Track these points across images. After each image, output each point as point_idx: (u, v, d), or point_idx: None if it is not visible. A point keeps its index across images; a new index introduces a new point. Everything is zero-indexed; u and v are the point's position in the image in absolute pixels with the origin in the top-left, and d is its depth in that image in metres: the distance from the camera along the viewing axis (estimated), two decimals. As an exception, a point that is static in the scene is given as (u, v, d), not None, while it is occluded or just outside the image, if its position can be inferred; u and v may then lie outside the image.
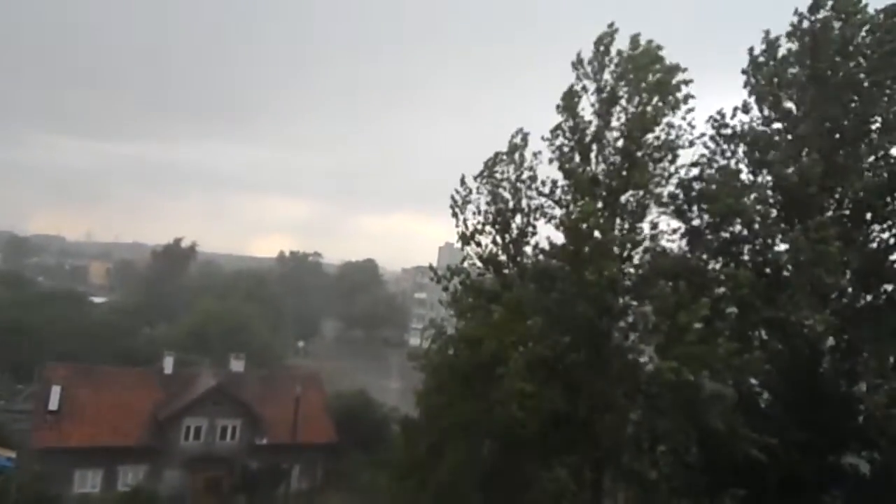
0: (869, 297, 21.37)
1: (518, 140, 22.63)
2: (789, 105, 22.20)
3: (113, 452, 38.55)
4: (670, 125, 20.95)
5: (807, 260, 19.58)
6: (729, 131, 22.93)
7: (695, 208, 22.39)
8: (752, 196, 21.09)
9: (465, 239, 22.65)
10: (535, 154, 22.31)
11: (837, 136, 21.03)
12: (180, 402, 41.23)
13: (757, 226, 21.32)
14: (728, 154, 22.76)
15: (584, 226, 19.87)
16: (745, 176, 22.24)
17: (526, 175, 22.45)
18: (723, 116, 22.87)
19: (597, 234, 20.09)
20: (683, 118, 20.78)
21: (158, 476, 39.28)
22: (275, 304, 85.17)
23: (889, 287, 20.96)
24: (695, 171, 22.30)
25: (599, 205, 20.73)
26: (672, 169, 21.31)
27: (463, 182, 22.93)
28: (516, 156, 22.56)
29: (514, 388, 19.02)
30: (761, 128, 22.54)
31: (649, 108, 20.74)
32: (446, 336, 24.78)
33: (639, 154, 20.82)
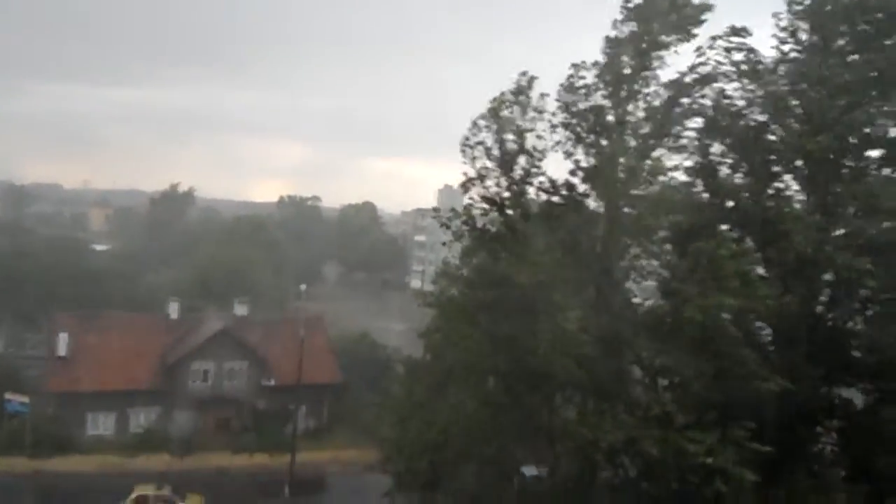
0: (873, 231, 21.56)
1: (524, 82, 22.45)
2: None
3: (124, 396, 39.41)
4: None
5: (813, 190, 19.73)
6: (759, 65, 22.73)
7: (711, 145, 22.47)
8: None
9: (471, 181, 22.69)
10: (542, 95, 22.21)
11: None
12: (187, 346, 41.91)
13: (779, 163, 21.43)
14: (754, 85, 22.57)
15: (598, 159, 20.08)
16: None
17: (531, 115, 22.35)
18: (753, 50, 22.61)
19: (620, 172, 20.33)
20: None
21: (169, 417, 40.25)
22: (276, 249, 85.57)
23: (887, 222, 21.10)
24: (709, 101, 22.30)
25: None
26: (685, 105, 21.42)
27: (475, 124, 22.89)
28: (521, 97, 22.42)
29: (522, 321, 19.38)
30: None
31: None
32: (453, 276, 25.08)
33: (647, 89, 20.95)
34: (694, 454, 18.08)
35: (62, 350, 39.32)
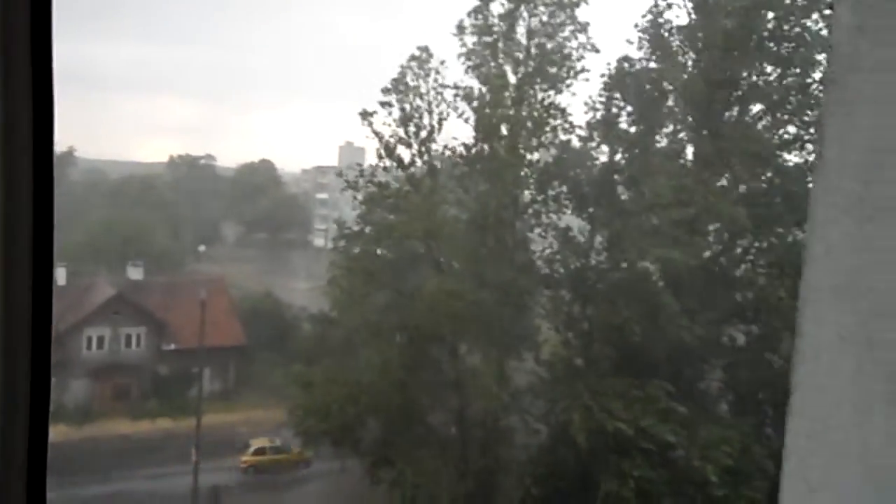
0: (759, 185, 23.16)
1: (423, 55, 23.14)
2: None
3: (10, 367, 37.33)
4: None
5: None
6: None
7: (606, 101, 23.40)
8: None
9: (380, 141, 22.99)
10: (441, 62, 22.89)
11: None
12: (79, 313, 40.03)
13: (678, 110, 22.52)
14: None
15: (495, 120, 20.54)
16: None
17: (432, 82, 23.02)
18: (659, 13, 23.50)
19: (503, 129, 20.78)
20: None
21: (64, 387, 38.52)
22: (169, 210, 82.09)
23: (772, 175, 22.67)
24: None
25: (509, 99, 21.42)
26: (577, 68, 22.29)
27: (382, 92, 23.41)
28: (420, 68, 23.13)
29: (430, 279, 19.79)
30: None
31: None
32: (353, 234, 25.17)
33: (549, 54, 21.66)
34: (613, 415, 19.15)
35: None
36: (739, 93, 22.83)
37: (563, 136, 22.80)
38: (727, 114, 23.46)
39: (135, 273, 44.06)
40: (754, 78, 22.91)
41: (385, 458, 23.92)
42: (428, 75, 23.60)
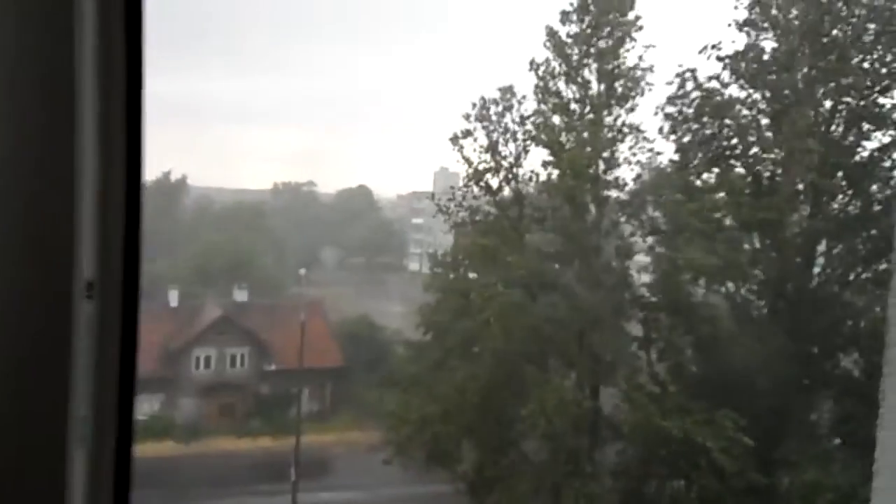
0: (860, 203, 21.89)
1: (506, 93, 23.87)
2: (779, 16, 22.38)
3: (127, 384, 39.66)
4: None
5: (794, 160, 20.05)
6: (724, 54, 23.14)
7: (682, 128, 22.88)
8: (744, 110, 21.57)
9: (471, 172, 23.60)
10: (522, 97, 23.56)
11: (825, 41, 21.23)
12: (188, 333, 42.23)
13: (750, 137, 21.67)
14: (723, 78, 23.05)
15: (568, 143, 20.84)
16: (740, 92, 22.66)
17: (515, 116, 23.66)
18: (717, 45, 23.01)
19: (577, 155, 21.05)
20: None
21: (174, 404, 40.65)
22: (273, 235, 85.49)
23: (878, 192, 21.42)
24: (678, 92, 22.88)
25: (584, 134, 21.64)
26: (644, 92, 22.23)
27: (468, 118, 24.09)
28: (502, 104, 23.84)
29: (505, 301, 19.91)
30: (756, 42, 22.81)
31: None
32: (447, 261, 25.62)
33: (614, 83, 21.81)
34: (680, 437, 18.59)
35: (64, 341, 39.55)
36: (843, 110, 21.76)
37: (641, 157, 22.66)
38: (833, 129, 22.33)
39: (240, 295, 46.09)
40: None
41: (482, 481, 23.87)
42: (510, 107, 24.30)
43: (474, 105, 23.93)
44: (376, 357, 42.92)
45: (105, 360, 1.62)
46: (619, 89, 22.34)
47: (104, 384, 1.64)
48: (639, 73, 22.29)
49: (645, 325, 21.70)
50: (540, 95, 23.22)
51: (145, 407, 40.36)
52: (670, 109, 22.68)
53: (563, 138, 22.15)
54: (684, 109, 22.61)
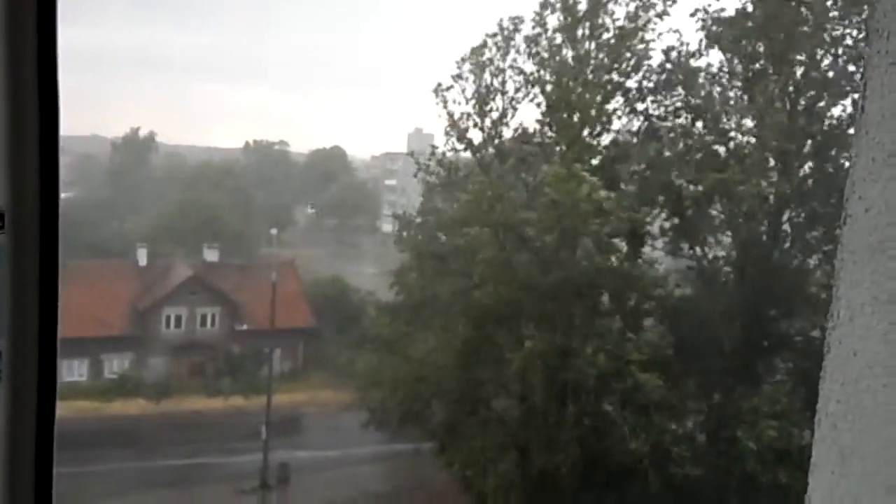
0: (830, 169, 22.23)
1: (507, 24, 22.97)
2: None
3: (96, 342, 39.36)
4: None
5: (764, 125, 20.29)
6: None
7: (658, 91, 22.91)
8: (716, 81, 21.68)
9: (452, 125, 23.07)
10: (525, 38, 22.68)
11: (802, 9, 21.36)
12: (158, 292, 41.89)
13: (717, 107, 21.86)
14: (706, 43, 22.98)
15: (565, 104, 20.56)
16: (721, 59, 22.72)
17: (511, 58, 22.81)
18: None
19: (575, 117, 20.72)
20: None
21: (143, 364, 40.48)
22: (244, 195, 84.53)
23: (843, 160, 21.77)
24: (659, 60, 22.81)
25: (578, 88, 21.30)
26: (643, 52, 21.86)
27: (456, 66, 23.27)
28: (501, 39, 22.90)
29: (489, 259, 19.94)
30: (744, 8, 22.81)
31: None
32: (422, 220, 25.47)
33: (612, 40, 21.39)
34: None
35: (31, 298, 39.01)
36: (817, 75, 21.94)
37: (625, 120, 22.61)
38: (802, 102, 22.56)
39: (211, 255, 45.70)
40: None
41: (451, 440, 24.27)
42: (507, 53, 23.39)
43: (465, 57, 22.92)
44: (348, 318, 43.06)
45: (22, 293, 1.56)
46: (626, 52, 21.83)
47: (21, 320, 1.57)
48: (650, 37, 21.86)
49: (611, 293, 21.99)
50: (535, 45, 22.41)
51: (114, 365, 40.16)
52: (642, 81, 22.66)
53: (556, 94, 21.66)
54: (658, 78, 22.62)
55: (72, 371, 39.17)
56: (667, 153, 22.23)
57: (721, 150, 22.63)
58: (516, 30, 23.24)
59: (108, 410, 37.22)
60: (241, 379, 40.72)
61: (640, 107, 23.09)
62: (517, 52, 23.34)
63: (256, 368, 40.34)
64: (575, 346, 20.58)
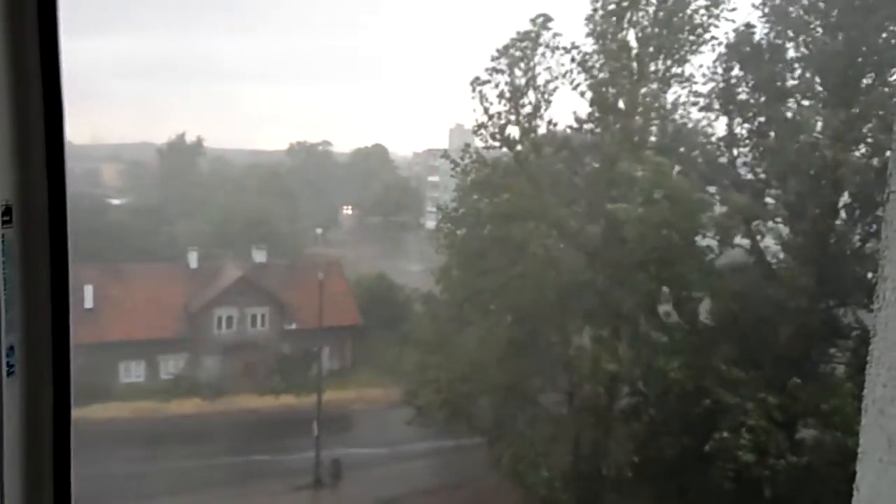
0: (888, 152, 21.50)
1: (539, 20, 22.78)
2: None
3: (152, 344, 40.52)
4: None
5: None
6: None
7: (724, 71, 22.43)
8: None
9: (483, 126, 22.96)
10: (555, 35, 22.47)
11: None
12: (209, 294, 42.80)
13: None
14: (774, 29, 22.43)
15: (612, 90, 20.14)
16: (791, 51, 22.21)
17: (541, 52, 22.57)
18: None
19: (621, 104, 20.34)
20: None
21: (198, 364, 41.45)
22: (290, 196, 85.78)
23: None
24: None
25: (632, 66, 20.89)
26: (706, 37, 21.43)
27: (490, 61, 23.15)
28: (533, 35, 22.71)
29: (536, 254, 19.78)
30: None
31: None
32: (460, 215, 25.44)
33: (673, 20, 20.92)
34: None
35: (89, 302, 40.28)
36: (876, 58, 21.19)
37: (682, 110, 22.12)
38: (864, 82, 21.81)
39: (259, 256, 46.50)
40: (894, 41, 21.16)
41: (500, 435, 24.24)
42: (536, 47, 23.12)
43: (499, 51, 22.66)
44: (394, 315, 43.34)
45: (33, 288, 1.56)
46: (679, 35, 21.37)
47: (33, 313, 1.57)
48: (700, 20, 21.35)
49: (659, 278, 21.62)
50: (588, 25, 22.02)
51: (170, 366, 41.22)
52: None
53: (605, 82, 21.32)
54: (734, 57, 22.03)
55: (129, 373, 40.37)
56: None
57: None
58: (545, 27, 23.02)
59: (165, 410, 38.21)
60: (291, 377, 41.35)
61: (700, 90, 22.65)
62: (547, 47, 23.12)
63: (306, 367, 40.91)
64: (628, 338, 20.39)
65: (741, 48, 22.32)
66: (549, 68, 23.13)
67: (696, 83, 22.24)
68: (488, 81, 23.25)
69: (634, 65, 21.81)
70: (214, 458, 33.16)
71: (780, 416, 19.65)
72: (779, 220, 22.04)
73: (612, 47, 21.88)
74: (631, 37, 22.16)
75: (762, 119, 22.53)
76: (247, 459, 33.51)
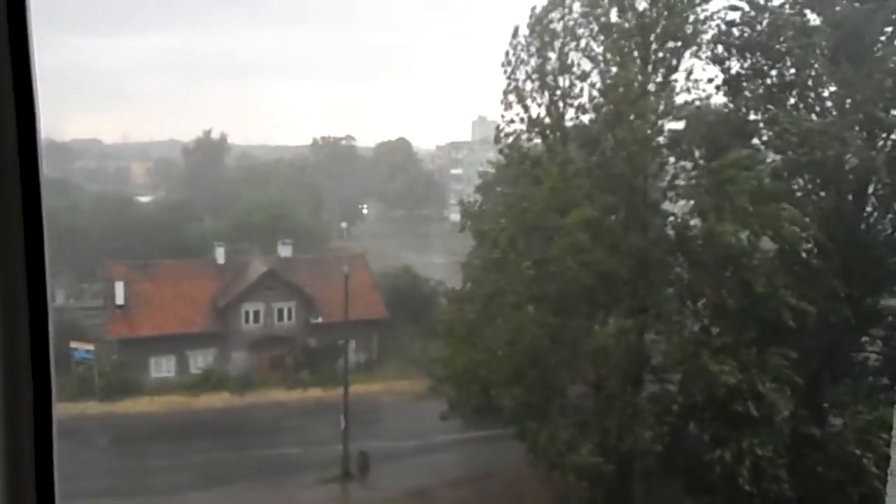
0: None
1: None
2: None
3: (181, 339, 41.13)
4: None
5: (861, 97, 19.19)
6: None
7: (734, 54, 21.96)
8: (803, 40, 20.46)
9: (518, 96, 22.57)
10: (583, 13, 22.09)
11: None
12: (236, 288, 43.30)
13: (808, 70, 20.82)
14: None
15: (621, 89, 19.84)
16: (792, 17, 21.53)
17: (571, 25, 22.14)
18: None
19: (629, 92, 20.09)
20: None
21: (226, 358, 41.99)
22: (314, 190, 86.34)
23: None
24: (733, 16, 21.75)
25: (637, 61, 20.56)
26: (708, 12, 20.96)
27: (515, 34, 22.81)
28: (564, 8, 22.29)
29: (568, 244, 19.64)
30: None
31: None
32: (476, 213, 25.34)
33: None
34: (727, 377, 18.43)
35: (120, 298, 40.99)
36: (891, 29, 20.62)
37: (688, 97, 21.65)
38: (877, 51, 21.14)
39: (284, 251, 46.89)
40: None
41: (528, 427, 24.17)
42: (567, 22, 22.55)
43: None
44: (419, 308, 43.50)
45: (11, 286, 1.55)
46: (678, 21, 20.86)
47: (11, 312, 1.55)
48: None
49: (690, 269, 21.40)
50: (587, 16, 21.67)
51: (199, 360, 41.81)
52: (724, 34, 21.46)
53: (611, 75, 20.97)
54: (745, 32, 21.39)
55: (160, 367, 41.02)
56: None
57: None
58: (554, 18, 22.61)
59: (195, 404, 38.78)
60: (318, 371, 41.71)
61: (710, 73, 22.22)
62: (576, 22, 22.64)
63: (333, 360, 41.22)
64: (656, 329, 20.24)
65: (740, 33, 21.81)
66: (576, 54, 22.73)
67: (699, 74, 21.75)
68: (520, 62, 22.74)
69: (635, 49, 21.39)
70: (244, 451, 33.60)
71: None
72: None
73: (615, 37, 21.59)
74: (634, 23, 21.73)
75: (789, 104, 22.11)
76: (275, 452, 33.89)
